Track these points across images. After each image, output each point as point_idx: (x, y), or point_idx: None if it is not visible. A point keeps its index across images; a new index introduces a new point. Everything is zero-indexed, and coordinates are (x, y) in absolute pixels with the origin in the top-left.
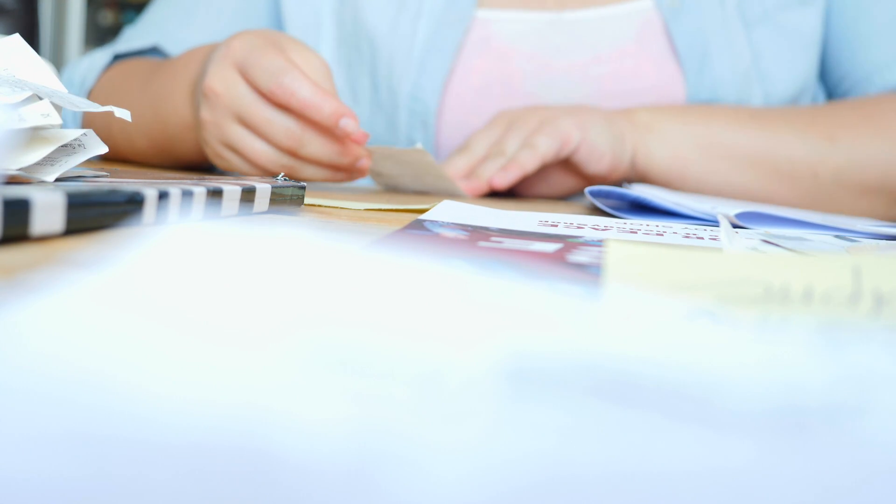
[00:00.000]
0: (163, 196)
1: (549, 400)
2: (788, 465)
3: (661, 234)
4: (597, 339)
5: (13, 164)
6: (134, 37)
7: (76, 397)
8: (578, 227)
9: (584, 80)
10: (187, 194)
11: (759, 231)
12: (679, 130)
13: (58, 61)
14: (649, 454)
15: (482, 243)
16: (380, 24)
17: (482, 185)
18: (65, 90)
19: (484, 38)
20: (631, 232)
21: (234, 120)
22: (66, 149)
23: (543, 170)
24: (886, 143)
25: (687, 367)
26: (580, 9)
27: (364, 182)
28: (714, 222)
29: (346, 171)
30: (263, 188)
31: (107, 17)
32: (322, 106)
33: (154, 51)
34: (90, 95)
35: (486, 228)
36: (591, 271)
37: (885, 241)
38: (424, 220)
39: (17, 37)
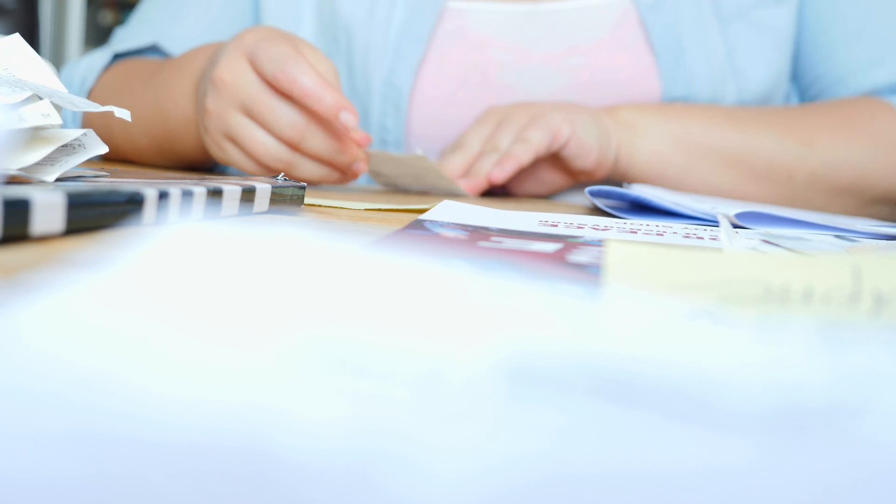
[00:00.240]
0: (163, 196)
1: (549, 400)
2: (788, 465)
3: (661, 234)
4: (597, 339)
5: (13, 164)
6: (128, 37)
7: (76, 397)
8: (578, 227)
9: (560, 71)
10: (187, 194)
11: (759, 231)
12: (660, 130)
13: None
14: (649, 454)
15: (482, 243)
16: (357, 12)
17: (481, 181)
18: (65, 90)
19: (460, 28)
20: (631, 232)
21: (239, 109)
22: (66, 149)
23: (532, 166)
24: (860, 147)
25: (687, 367)
26: (557, 0)
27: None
28: (714, 222)
29: (342, 172)
30: (263, 188)
31: (107, 17)
32: (323, 96)
33: (152, 49)
34: (90, 95)
35: (486, 228)
36: (591, 271)
37: (885, 241)
38: (424, 220)
39: (17, 36)
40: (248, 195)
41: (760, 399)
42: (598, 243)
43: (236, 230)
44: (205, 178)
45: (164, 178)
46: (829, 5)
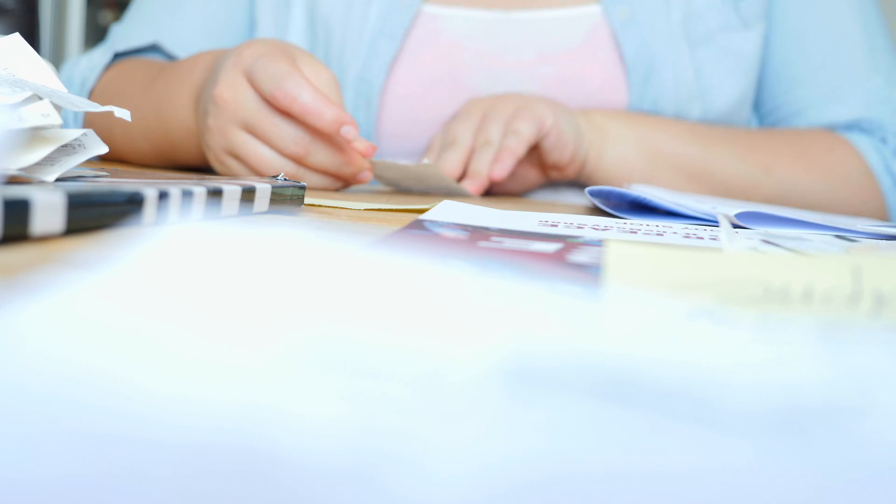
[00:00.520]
0: (163, 196)
1: (549, 400)
2: (788, 465)
3: (661, 234)
4: (596, 339)
5: (13, 164)
6: (129, 35)
7: (76, 397)
8: (578, 227)
9: (530, 78)
10: (187, 194)
11: (759, 231)
12: (628, 137)
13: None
14: (649, 454)
15: (482, 243)
16: (335, 8)
17: (483, 180)
18: (65, 90)
19: (433, 31)
20: (631, 232)
21: (240, 127)
22: (66, 149)
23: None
24: (815, 178)
25: (687, 367)
26: (528, 9)
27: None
28: (714, 222)
29: (346, 181)
30: (263, 188)
31: (107, 17)
32: (323, 112)
33: (152, 48)
34: (91, 96)
35: (486, 228)
36: (591, 271)
37: (885, 241)
38: (424, 220)
39: (17, 36)
40: (248, 195)
41: (760, 399)
42: (598, 243)
43: (236, 230)
44: (205, 178)
45: (163, 178)
46: (794, 39)
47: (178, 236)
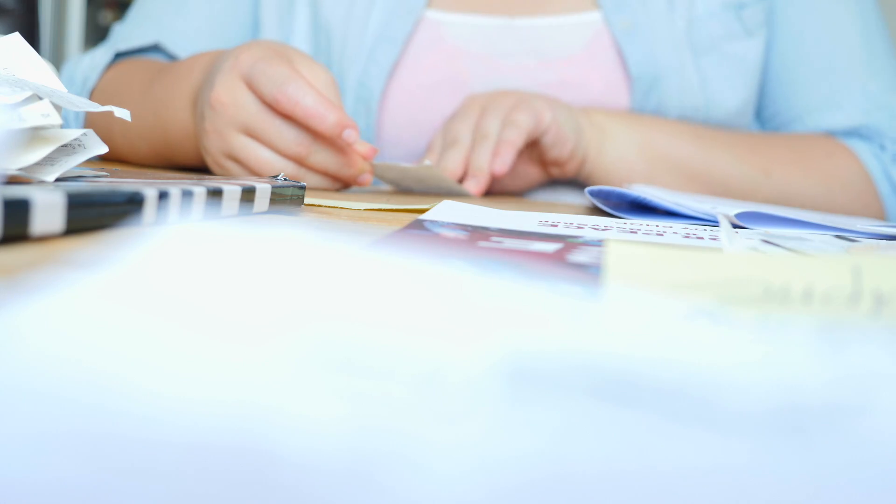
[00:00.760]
0: (163, 196)
1: (548, 399)
2: (788, 464)
3: (661, 234)
4: (596, 339)
5: (13, 164)
6: (131, 34)
7: (77, 396)
8: (578, 227)
9: (532, 84)
10: (187, 194)
11: (759, 231)
12: (628, 137)
13: (58, 61)
14: (648, 454)
15: (482, 243)
16: (335, 12)
17: (484, 178)
18: (65, 90)
19: (435, 38)
20: (631, 232)
21: (239, 130)
22: (66, 149)
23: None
24: (814, 183)
25: (687, 367)
26: (530, 16)
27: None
28: (714, 222)
29: (347, 182)
30: (263, 188)
31: (107, 17)
32: (326, 116)
33: (154, 47)
34: (92, 96)
35: (486, 228)
36: (591, 271)
37: (885, 241)
38: (424, 220)
39: (16, 36)
40: (248, 195)
41: (760, 399)
42: (598, 243)
43: (236, 230)
44: (205, 178)
45: (163, 178)
46: (795, 45)
47: (178, 236)
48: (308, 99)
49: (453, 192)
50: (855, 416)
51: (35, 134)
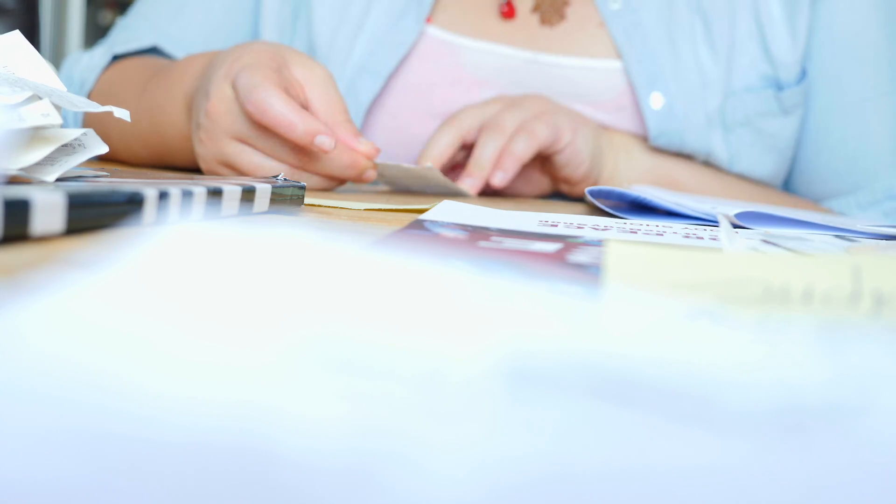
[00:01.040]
0: (163, 196)
1: (548, 399)
2: (788, 464)
3: (661, 234)
4: (596, 339)
5: (13, 164)
6: (129, 36)
7: (77, 396)
8: (578, 227)
9: None
10: (187, 194)
11: (759, 231)
12: (647, 161)
13: (58, 61)
14: (648, 453)
15: (482, 243)
16: (322, 34)
17: (483, 177)
18: (65, 89)
19: (456, 65)
20: (631, 232)
21: (233, 139)
22: (66, 149)
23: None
24: None
25: (686, 367)
26: (555, 54)
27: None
28: (714, 222)
29: (351, 181)
30: (263, 188)
31: (107, 17)
32: (295, 125)
33: (153, 48)
34: (90, 97)
35: (486, 228)
36: (591, 271)
37: (885, 241)
38: (424, 220)
39: (16, 33)
40: (248, 195)
41: (760, 399)
42: (598, 243)
43: (236, 230)
44: (204, 178)
45: (163, 179)
46: (825, 130)
47: (178, 236)
48: (276, 107)
49: (451, 193)
50: (855, 416)
51: (35, 134)
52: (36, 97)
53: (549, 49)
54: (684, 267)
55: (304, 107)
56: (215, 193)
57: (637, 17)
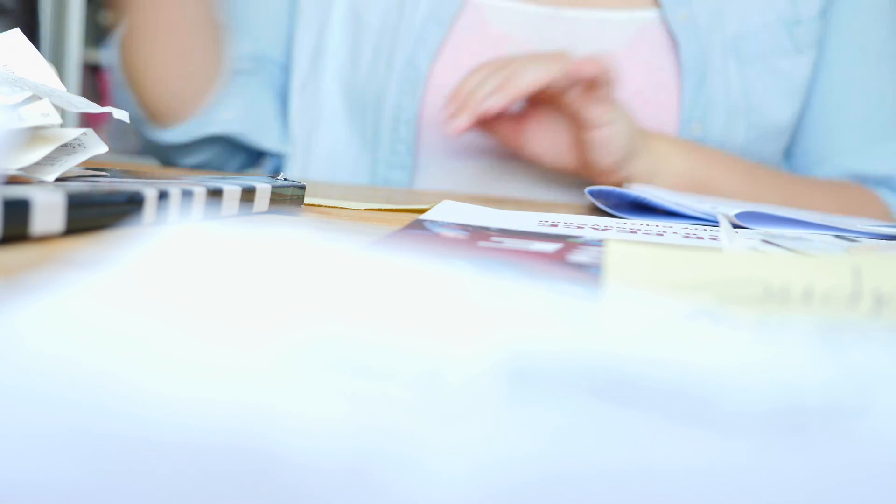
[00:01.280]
0: (163, 196)
1: (549, 400)
2: (788, 464)
3: (661, 234)
4: (597, 339)
5: (13, 164)
6: None
7: (76, 397)
8: (578, 227)
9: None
10: (187, 194)
11: (759, 231)
12: (683, 167)
13: (58, 61)
14: (649, 454)
15: (482, 243)
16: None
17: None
18: (64, 89)
19: (481, 21)
20: (631, 232)
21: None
22: (66, 148)
23: (554, 126)
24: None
25: (687, 368)
26: (579, 7)
27: (364, 182)
28: (714, 222)
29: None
30: (263, 188)
31: (107, 17)
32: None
33: None
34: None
35: (486, 228)
36: (591, 271)
37: (885, 241)
38: (424, 220)
39: (17, 32)
40: (248, 195)
41: (760, 399)
42: (598, 243)
43: (236, 230)
44: (205, 178)
45: (163, 179)
46: (841, 90)
47: (178, 236)
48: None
49: None
50: (855, 416)
51: (35, 134)
52: (36, 97)
53: (574, 3)
54: (684, 267)
55: None
56: (215, 193)
57: None
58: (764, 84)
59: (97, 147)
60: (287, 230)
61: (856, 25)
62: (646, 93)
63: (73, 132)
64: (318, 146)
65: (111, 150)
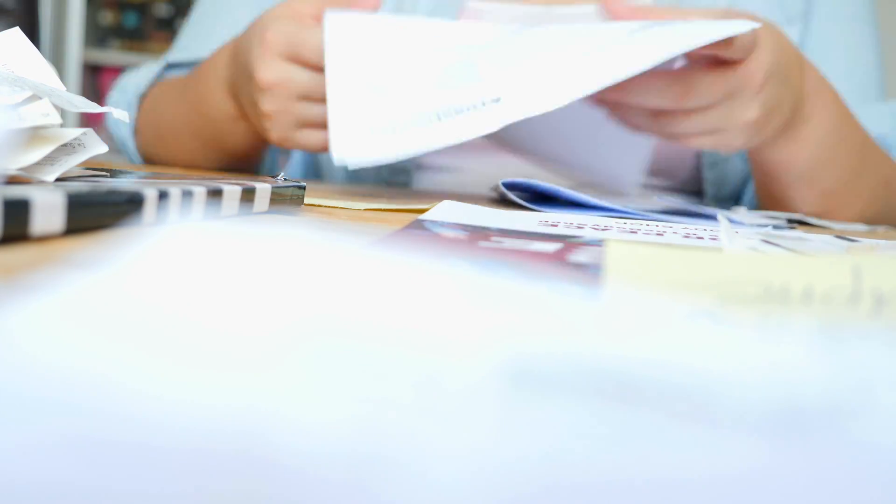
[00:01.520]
0: (163, 196)
1: (549, 401)
2: (789, 465)
3: (661, 234)
4: (597, 339)
5: (13, 164)
6: (184, 48)
7: (75, 399)
8: (578, 227)
9: None
10: (187, 194)
11: (759, 231)
12: (826, 131)
13: (58, 61)
14: (649, 455)
15: (482, 243)
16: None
17: None
18: (64, 88)
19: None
20: (631, 232)
21: (302, 100)
22: (66, 148)
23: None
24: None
25: (687, 368)
26: (569, 5)
27: (364, 182)
28: (622, 212)
29: None
30: (263, 188)
31: (107, 17)
32: None
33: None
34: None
35: (486, 228)
36: (591, 271)
37: (884, 242)
38: (424, 220)
39: (16, 31)
40: (248, 195)
41: (760, 399)
42: (598, 243)
43: (236, 230)
44: (205, 179)
45: (163, 179)
46: (821, 52)
47: (178, 236)
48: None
49: None
50: (855, 416)
51: (35, 133)
52: (36, 97)
53: (566, 0)
54: (684, 267)
55: None
56: (215, 193)
57: None
58: None
59: (97, 147)
60: (287, 230)
61: None
62: None
63: (73, 132)
64: None
65: (111, 150)
